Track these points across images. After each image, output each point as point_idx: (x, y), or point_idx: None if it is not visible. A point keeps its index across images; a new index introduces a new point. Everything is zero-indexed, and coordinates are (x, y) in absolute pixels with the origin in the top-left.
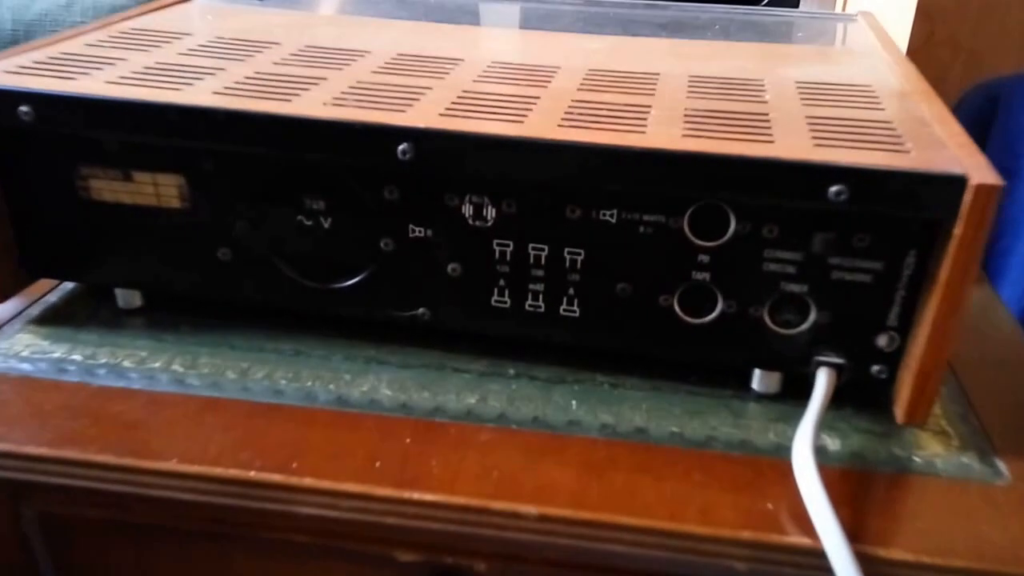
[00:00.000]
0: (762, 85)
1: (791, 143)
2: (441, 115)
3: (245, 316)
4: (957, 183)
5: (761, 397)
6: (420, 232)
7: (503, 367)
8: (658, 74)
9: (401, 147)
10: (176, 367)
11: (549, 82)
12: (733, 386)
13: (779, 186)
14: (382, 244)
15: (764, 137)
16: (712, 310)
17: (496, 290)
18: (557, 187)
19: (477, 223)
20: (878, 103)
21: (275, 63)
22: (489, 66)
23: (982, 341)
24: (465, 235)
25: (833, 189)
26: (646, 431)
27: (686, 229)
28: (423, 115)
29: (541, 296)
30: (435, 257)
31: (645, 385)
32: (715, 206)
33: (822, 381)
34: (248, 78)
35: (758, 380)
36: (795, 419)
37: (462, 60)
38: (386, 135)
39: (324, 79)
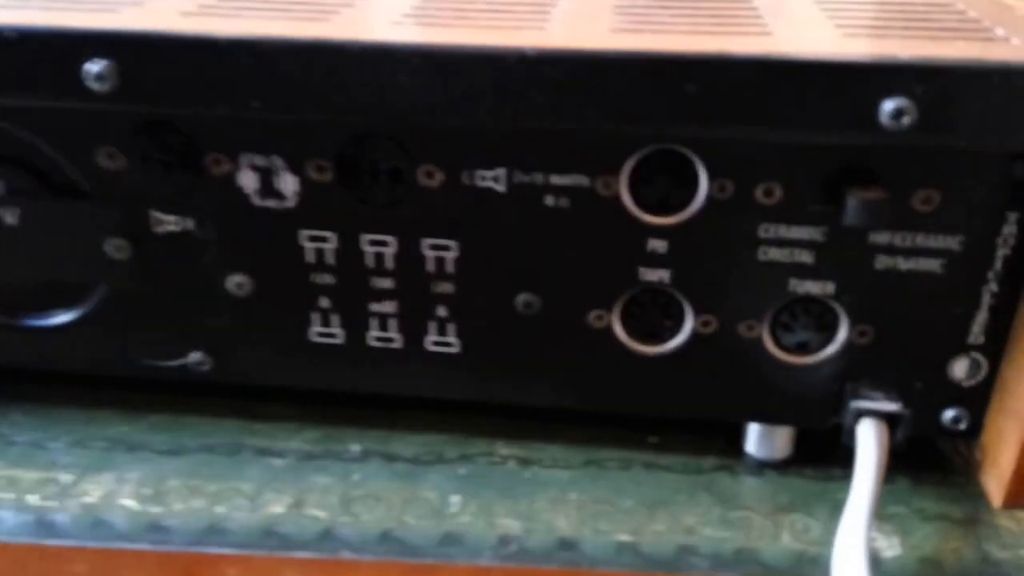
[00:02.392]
0: None
1: (801, 34)
2: (184, 14)
3: None
4: None
5: (764, 468)
6: (174, 223)
7: (341, 442)
8: None
9: (92, 68)
10: None
11: None
12: (717, 452)
13: (786, 108)
14: (110, 248)
15: (752, 28)
16: (676, 331)
17: (316, 315)
18: (400, 132)
19: (268, 202)
20: None
21: None
22: None
23: None
24: (251, 224)
25: (889, 106)
26: (575, 544)
27: (625, 196)
28: (143, 16)
29: (393, 321)
30: (205, 265)
31: (574, 459)
32: (671, 155)
33: (869, 440)
34: None
35: (756, 441)
36: (823, 505)
37: None
38: (69, 47)
39: None
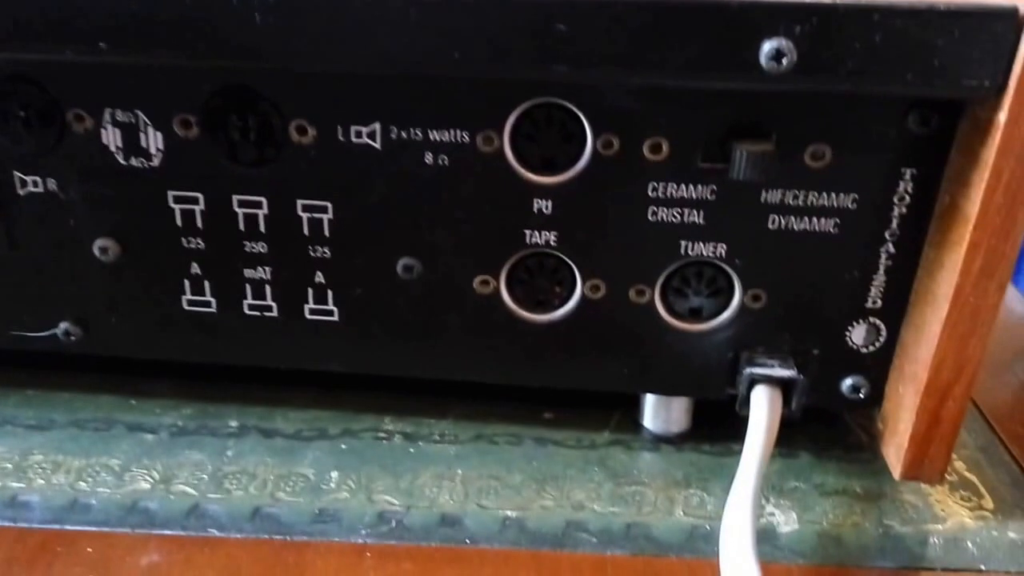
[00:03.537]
0: None
1: None
2: None
3: None
4: (1003, 21)
5: (659, 443)
6: (34, 183)
7: (219, 418)
8: None
9: None
10: None
11: None
12: (611, 426)
13: (663, 50)
14: None
15: None
16: (566, 297)
17: (187, 282)
18: (270, 83)
19: (133, 161)
20: None
21: None
22: None
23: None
24: (116, 185)
25: (768, 47)
26: (459, 521)
27: (508, 153)
28: None
29: (268, 288)
30: (71, 229)
31: (463, 433)
32: (556, 109)
33: (761, 409)
34: None
35: (651, 413)
36: (718, 479)
37: None
38: None
39: None
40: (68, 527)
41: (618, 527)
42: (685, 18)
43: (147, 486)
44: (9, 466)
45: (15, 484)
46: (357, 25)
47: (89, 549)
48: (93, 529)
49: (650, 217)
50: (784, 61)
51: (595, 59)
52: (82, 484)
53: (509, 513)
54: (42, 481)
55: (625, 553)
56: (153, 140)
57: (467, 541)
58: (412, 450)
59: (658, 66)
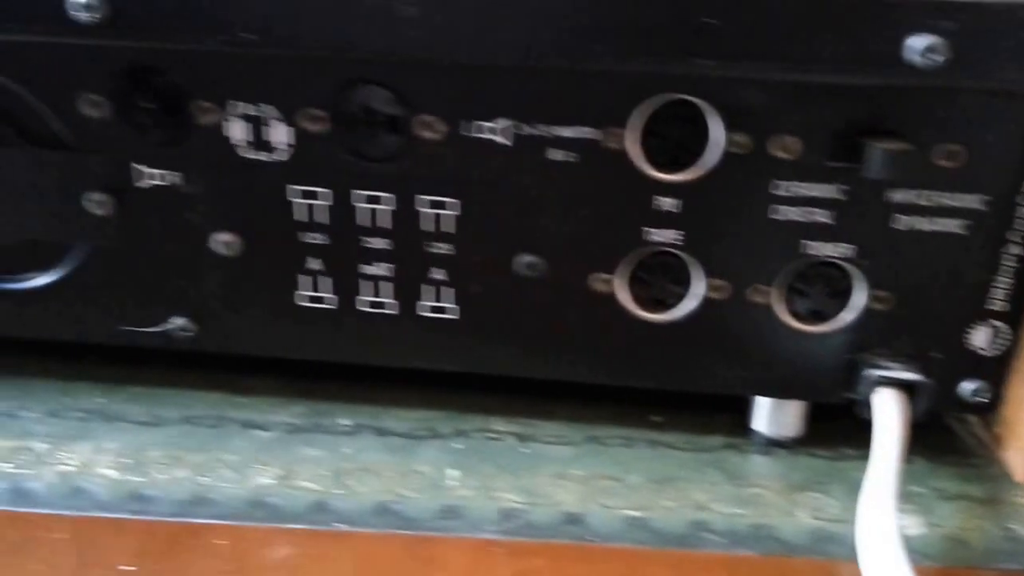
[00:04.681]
0: None
1: None
2: None
3: None
4: None
5: (772, 447)
6: (158, 176)
7: (328, 415)
8: None
9: None
10: None
11: None
12: (724, 429)
13: (816, 45)
14: (89, 203)
15: None
16: (683, 296)
17: (304, 277)
18: (398, 78)
19: (257, 154)
20: None
21: None
22: None
23: None
24: (238, 178)
25: (919, 42)
26: (582, 519)
27: (634, 151)
28: None
29: (386, 285)
30: (191, 223)
31: (575, 435)
32: (684, 106)
33: (890, 409)
34: None
35: (767, 417)
36: (836, 483)
37: None
38: None
39: None
40: (195, 520)
41: (743, 528)
42: (835, 11)
43: (270, 481)
44: (129, 461)
45: (136, 478)
46: (494, 16)
47: (219, 542)
48: (220, 522)
49: (775, 216)
50: (934, 57)
51: (741, 53)
52: (204, 479)
53: (632, 512)
54: (163, 476)
55: (754, 553)
56: (279, 134)
57: (593, 539)
58: (526, 450)
59: (805, 61)
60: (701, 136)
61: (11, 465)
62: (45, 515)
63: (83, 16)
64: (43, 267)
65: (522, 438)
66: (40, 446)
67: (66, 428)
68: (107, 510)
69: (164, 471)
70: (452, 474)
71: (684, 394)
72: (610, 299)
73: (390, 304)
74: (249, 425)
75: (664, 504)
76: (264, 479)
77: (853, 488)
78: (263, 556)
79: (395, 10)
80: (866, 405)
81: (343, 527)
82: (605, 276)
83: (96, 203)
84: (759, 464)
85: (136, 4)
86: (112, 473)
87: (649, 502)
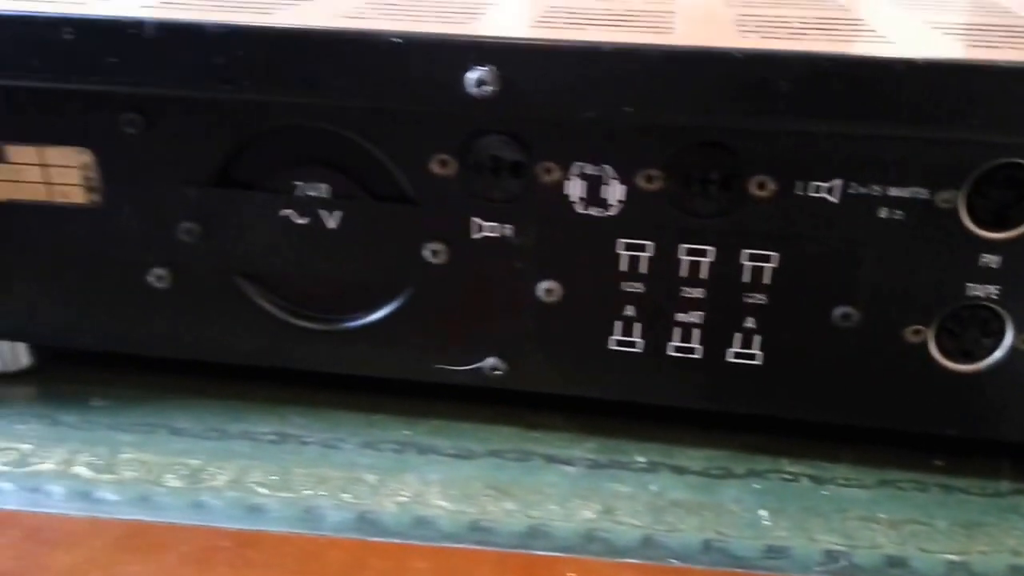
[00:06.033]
0: None
1: None
2: (533, 26)
3: (193, 380)
4: None
5: None
6: (492, 229)
7: (623, 452)
8: None
9: (474, 75)
10: (80, 468)
11: None
12: (1008, 475)
13: None
14: (427, 252)
15: None
16: (993, 348)
17: (618, 323)
18: (733, 140)
19: (590, 210)
20: None
21: None
22: None
23: None
24: (570, 231)
25: None
26: (905, 562)
27: (963, 211)
28: (503, 24)
29: (696, 332)
30: (517, 270)
31: (866, 478)
32: (1014, 168)
33: None
34: None
35: None
36: None
37: None
38: (452, 54)
39: None
40: (534, 551)
41: None
42: None
43: (593, 515)
44: (455, 492)
45: (469, 509)
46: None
47: (572, 574)
48: (565, 555)
49: None
50: None
51: None
52: (534, 512)
53: (952, 557)
54: (494, 508)
55: None
56: (614, 192)
57: None
58: (825, 492)
59: None
60: (1020, 195)
61: (350, 495)
62: (400, 545)
63: (476, 92)
64: (368, 307)
65: (817, 480)
66: (370, 477)
67: (384, 459)
68: (452, 540)
69: (493, 503)
70: (763, 514)
71: (961, 439)
72: (921, 349)
73: (698, 350)
74: (553, 460)
75: (979, 549)
76: (587, 512)
77: None
78: None
79: (725, 82)
80: None
81: (674, 563)
82: (918, 327)
83: (432, 252)
84: None
85: (523, 81)
86: (446, 504)
87: (965, 547)
